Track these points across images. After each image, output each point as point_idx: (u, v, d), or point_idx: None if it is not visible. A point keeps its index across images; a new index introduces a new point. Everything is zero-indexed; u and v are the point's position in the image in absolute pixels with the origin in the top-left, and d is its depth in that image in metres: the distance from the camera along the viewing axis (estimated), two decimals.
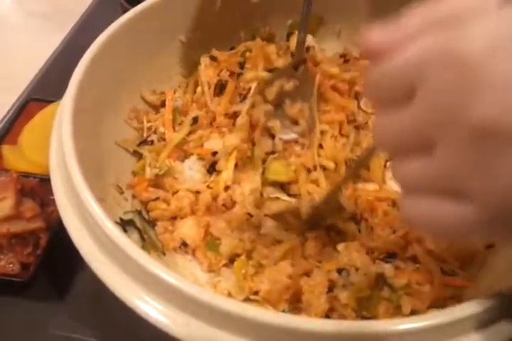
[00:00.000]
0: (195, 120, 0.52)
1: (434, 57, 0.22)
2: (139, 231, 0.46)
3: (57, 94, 0.47)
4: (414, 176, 0.24)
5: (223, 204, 0.47)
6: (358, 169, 0.48)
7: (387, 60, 0.24)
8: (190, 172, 0.49)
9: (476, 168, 0.22)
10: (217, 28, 0.57)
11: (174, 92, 0.56)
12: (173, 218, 0.48)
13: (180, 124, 0.53)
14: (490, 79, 0.21)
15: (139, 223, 0.46)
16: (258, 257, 0.44)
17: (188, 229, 0.46)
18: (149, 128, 0.53)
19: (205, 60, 0.56)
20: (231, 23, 0.58)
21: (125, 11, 0.51)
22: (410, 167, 0.24)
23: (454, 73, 0.22)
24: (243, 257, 0.44)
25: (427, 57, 0.22)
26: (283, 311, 0.42)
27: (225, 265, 0.45)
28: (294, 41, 0.57)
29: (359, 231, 0.45)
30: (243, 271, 0.43)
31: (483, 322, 0.31)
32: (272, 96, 0.48)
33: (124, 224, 0.45)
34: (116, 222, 0.43)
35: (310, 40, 0.58)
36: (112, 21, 0.48)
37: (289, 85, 0.48)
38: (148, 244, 0.46)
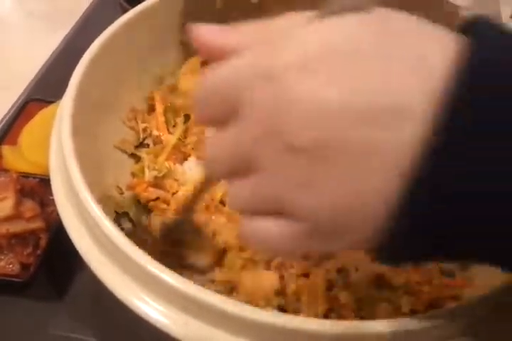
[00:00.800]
0: (188, 117, 0.52)
1: (251, 74, 0.22)
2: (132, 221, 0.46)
3: (57, 94, 0.47)
4: (241, 198, 0.24)
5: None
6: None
7: (217, 68, 0.23)
8: (191, 172, 0.49)
9: (296, 186, 0.22)
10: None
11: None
12: None
13: (174, 126, 0.53)
14: (291, 98, 0.21)
15: (132, 215, 0.46)
16: (252, 252, 0.44)
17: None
18: (144, 130, 0.53)
19: None
20: (231, 23, 0.58)
21: (125, 11, 0.51)
22: (238, 189, 0.24)
23: (264, 90, 0.21)
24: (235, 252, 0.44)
25: (246, 73, 0.22)
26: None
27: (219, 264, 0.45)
28: None
29: None
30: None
31: (481, 322, 0.31)
32: None
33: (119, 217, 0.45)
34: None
35: None
36: (112, 21, 0.48)
37: None
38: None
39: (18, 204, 0.48)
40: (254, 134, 0.22)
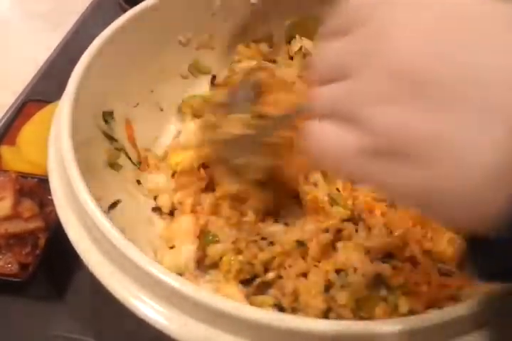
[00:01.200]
0: None
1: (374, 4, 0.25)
2: None
3: (56, 94, 0.47)
4: (332, 97, 0.25)
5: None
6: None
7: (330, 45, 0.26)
8: None
9: (383, 101, 0.23)
10: (216, 28, 0.57)
11: None
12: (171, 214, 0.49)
13: None
14: (401, 29, 0.23)
15: None
16: (249, 255, 0.44)
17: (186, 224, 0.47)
18: None
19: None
20: (230, 23, 0.58)
21: (124, 11, 0.51)
22: (333, 89, 0.25)
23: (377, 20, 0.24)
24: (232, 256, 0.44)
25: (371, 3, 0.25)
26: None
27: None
28: (294, 46, 0.59)
29: (356, 231, 0.45)
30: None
31: (480, 322, 0.31)
32: None
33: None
34: None
35: (308, 45, 0.58)
36: (111, 22, 0.48)
37: None
38: None
39: (16, 204, 0.48)
40: (363, 47, 0.24)
